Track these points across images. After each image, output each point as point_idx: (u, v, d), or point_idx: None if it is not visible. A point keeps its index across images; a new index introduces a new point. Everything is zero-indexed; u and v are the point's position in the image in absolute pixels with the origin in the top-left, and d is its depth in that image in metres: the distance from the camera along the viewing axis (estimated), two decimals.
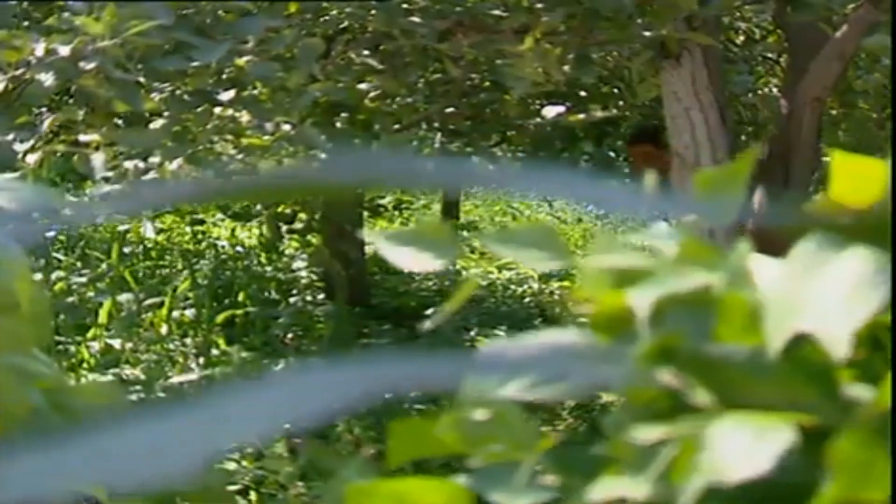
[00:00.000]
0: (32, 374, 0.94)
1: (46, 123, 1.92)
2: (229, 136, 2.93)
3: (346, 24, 2.76)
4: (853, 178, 0.67)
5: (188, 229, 5.85)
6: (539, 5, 2.30)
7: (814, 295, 0.55)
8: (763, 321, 0.59)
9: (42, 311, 1.03)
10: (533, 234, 0.74)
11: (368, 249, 6.04)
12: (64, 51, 1.76)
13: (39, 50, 1.79)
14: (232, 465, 2.94)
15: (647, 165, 3.15)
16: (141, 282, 4.05)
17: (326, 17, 2.73)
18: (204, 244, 5.93)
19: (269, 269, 5.65)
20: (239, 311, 4.06)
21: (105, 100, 2.00)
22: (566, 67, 2.38)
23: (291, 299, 5.25)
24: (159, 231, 4.89)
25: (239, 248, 5.98)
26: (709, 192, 0.73)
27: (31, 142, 2.14)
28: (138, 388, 3.28)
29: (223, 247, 6.03)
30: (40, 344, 1.00)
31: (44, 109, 2.46)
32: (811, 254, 0.59)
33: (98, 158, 1.95)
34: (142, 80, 2.12)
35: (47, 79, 1.82)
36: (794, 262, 0.60)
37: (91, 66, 1.76)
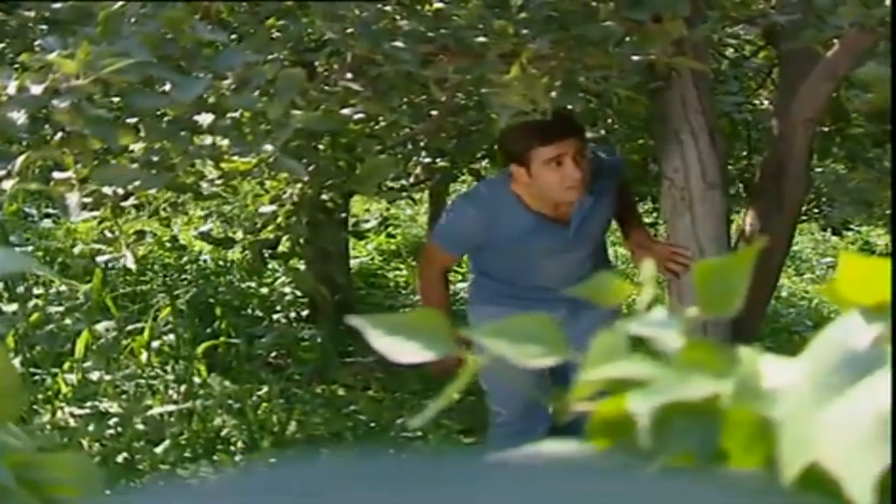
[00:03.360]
0: (0, 448, 0.92)
1: (19, 161, 1.88)
2: (209, 162, 2.90)
3: (327, 37, 2.73)
4: (859, 277, 0.65)
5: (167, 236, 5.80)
6: (525, 31, 2.27)
7: (834, 425, 0.52)
8: (776, 441, 0.56)
9: (12, 384, 1.00)
10: (527, 326, 0.71)
11: (353, 264, 6.01)
12: (37, 89, 1.73)
13: (11, 88, 1.76)
14: None
15: None
16: (120, 307, 4.00)
17: (310, 32, 2.70)
18: (185, 259, 5.88)
19: (252, 284, 5.60)
20: (221, 340, 4.02)
21: (79, 134, 1.97)
22: (553, 94, 2.36)
23: (275, 316, 5.22)
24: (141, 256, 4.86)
25: (221, 262, 5.93)
26: (710, 283, 0.71)
27: (6, 169, 2.11)
28: (117, 420, 3.23)
29: (205, 261, 5.97)
30: (11, 418, 0.98)
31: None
32: (834, 371, 0.57)
33: (73, 198, 1.91)
34: (118, 106, 2.09)
35: (19, 117, 1.79)
36: (814, 377, 0.58)
37: (65, 104, 1.73)
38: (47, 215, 6.36)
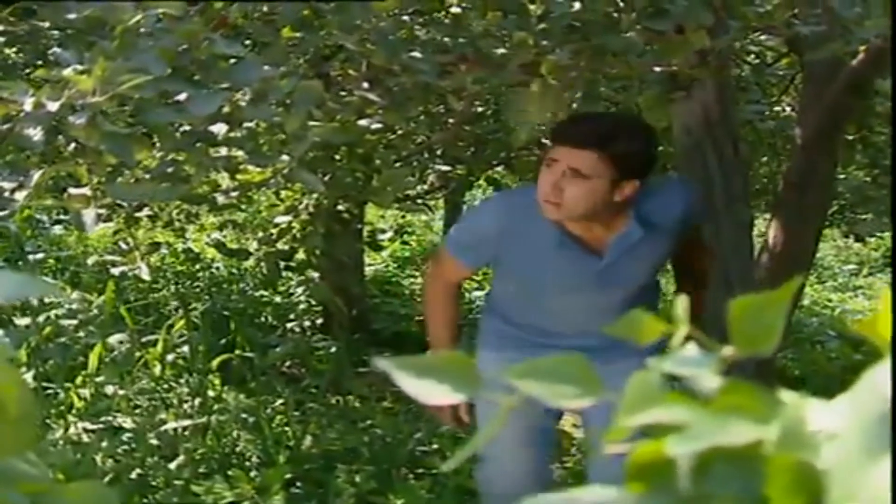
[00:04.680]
0: (17, 477, 0.92)
1: (36, 177, 1.89)
2: (224, 172, 2.91)
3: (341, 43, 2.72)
4: None
5: (180, 247, 5.80)
6: (545, 42, 2.27)
7: (883, 483, 0.51)
8: (821, 490, 0.56)
9: (29, 412, 1.00)
10: (563, 366, 0.71)
11: (368, 271, 6.01)
12: (53, 106, 1.73)
13: (28, 104, 1.77)
14: None
15: None
16: (133, 318, 4.00)
17: (326, 43, 2.69)
18: (197, 266, 5.88)
19: (265, 292, 5.61)
20: (235, 353, 4.01)
21: (95, 149, 1.98)
22: (574, 105, 2.35)
23: (289, 324, 5.22)
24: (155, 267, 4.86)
25: (234, 270, 5.93)
26: (745, 320, 0.70)
27: (20, 180, 2.11)
28: (130, 435, 3.22)
29: (218, 268, 5.97)
30: (27, 446, 0.98)
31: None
32: (881, 418, 0.56)
33: (90, 213, 1.91)
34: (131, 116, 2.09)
35: (36, 133, 1.80)
36: (860, 425, 0.57)
37: (81, 120, 1.73)
38: (58, 222, 6.38)
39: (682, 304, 0.75)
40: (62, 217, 6.38)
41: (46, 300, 3.80)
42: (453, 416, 2.59)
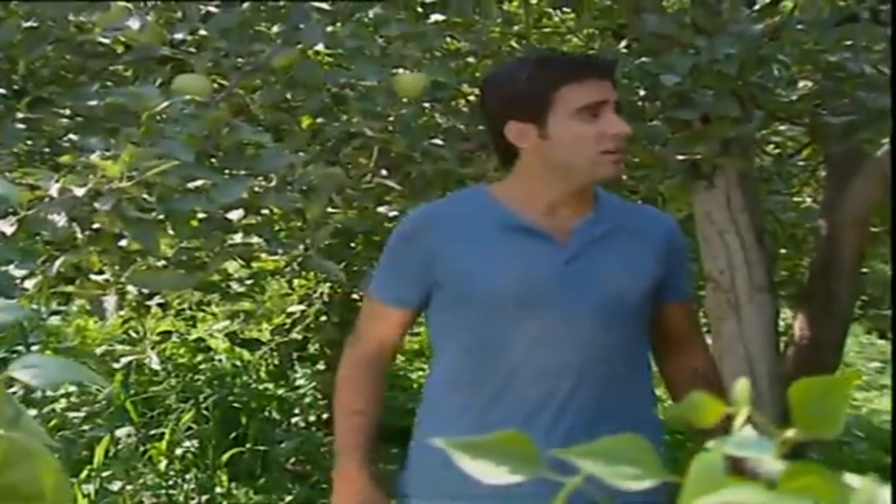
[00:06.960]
0: None
1: (56, 265, 1.92)
2: (240, 260, 2.95)
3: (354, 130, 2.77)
4: None
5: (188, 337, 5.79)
6: None
7: None
8: None
9: (63, 500, 1.04)
10: (623, 446, 0.73)
11: None
12: (79, 191, 1.77)
13: (53, 190, 1.81)
14: None
15: None
16: (138, 412, 3.99)
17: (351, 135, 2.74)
18: (200, 357, 5.88)
19: (269, 385, 5.60)
20: (245, 447, 3.98)
21: (110, 236, 2.02)
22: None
23: (293, 419, 5.21)
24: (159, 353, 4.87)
25: (237, 363, 5.92)
26: (807, 403, 0.72)
27: (31, 268, 2.15)
28: None
29: (220, 360, 5.97)
30: None
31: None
32: None
33: (111, 301, 1.95)
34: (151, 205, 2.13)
35: (60, 219, 1.84)
36: None
37: (107, 206, 1.78)
38: (55, 312, 6.39)
39: (742, 385, 0.77)
40: (60, 308, 6.40)
41: (49, 392, 3.79)
42: None
